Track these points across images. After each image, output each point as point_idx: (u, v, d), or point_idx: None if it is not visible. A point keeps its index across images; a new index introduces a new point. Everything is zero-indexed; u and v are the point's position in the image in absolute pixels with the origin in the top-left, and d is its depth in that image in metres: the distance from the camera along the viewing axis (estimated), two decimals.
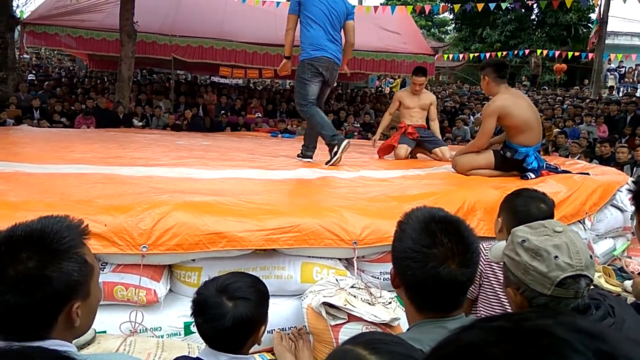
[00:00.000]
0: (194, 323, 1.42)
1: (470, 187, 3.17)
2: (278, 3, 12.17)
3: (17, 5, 19.28)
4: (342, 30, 4.23)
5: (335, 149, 3.98)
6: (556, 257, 1.13)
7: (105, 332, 2.09)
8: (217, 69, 12.56)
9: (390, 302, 2.19)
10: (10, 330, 0.91)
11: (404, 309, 2.22)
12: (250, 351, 1.43)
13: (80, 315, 0.97)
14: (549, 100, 14.51)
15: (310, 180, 3.41)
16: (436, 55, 13.99)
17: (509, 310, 1.45)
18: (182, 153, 4.69)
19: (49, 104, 9.68)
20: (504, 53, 17.34)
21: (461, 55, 18.78)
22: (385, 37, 12.16)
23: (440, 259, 1.09)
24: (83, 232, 0.99)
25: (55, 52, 20.45)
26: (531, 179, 3.52)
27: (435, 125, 5.11)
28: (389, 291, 2.30)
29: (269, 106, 12.39)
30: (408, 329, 1.20)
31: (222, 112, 11.12)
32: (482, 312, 1.88)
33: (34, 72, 15.88)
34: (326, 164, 4.01)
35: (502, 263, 1.27)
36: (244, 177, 3.38)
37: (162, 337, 2.15)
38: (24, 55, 16.10)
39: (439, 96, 15.45)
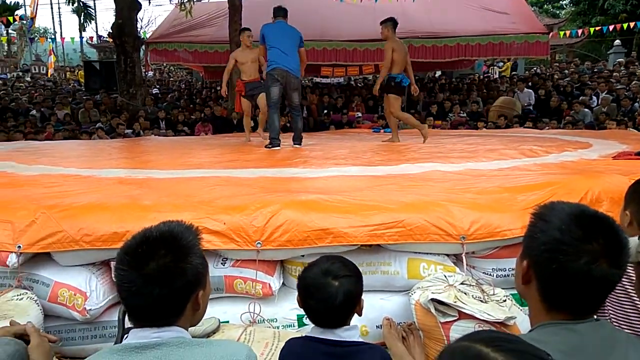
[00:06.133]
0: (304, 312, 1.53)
1: (594, 175, 2.89)
2: None
3: (141, 27, 21.59)
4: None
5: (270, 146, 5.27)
6: None
7: (228, 322, 2.28)
8: (319, 70, 12.83)
9: (504, 300, 2.09)
10: (150, 318, 1.08)
11: (520, 308, 2.12)
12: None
13: (201, 303, 1.14)
14: None
15: (414, 174, 3.36)
16: (551, 33, 12.87)
17: None
18: (287, 154, 4.91)
19: (173, 115, 10.67)
20: (632, 24, 15.31)
21: (580, 31, 17.03)
22: (492, 19, 11.48)
23: (594, 256, 1.00)
24: (197, 233, 1.17)
25: (175, 66, 22.46)
26: None
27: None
28: (502, 288, 2.19)
29: (370, 102, 12.37)
30: (531, 330, 1.11)
31: (325, 111, 11.35)
32: (611, 312, 1.72)
33: (157, 86, 17.61)
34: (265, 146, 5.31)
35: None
36: (348, 175, 3.44)
37: (277, 328, 2.29)
38: (149, 72, 17.93)
39: (556, 76, 14.16)
